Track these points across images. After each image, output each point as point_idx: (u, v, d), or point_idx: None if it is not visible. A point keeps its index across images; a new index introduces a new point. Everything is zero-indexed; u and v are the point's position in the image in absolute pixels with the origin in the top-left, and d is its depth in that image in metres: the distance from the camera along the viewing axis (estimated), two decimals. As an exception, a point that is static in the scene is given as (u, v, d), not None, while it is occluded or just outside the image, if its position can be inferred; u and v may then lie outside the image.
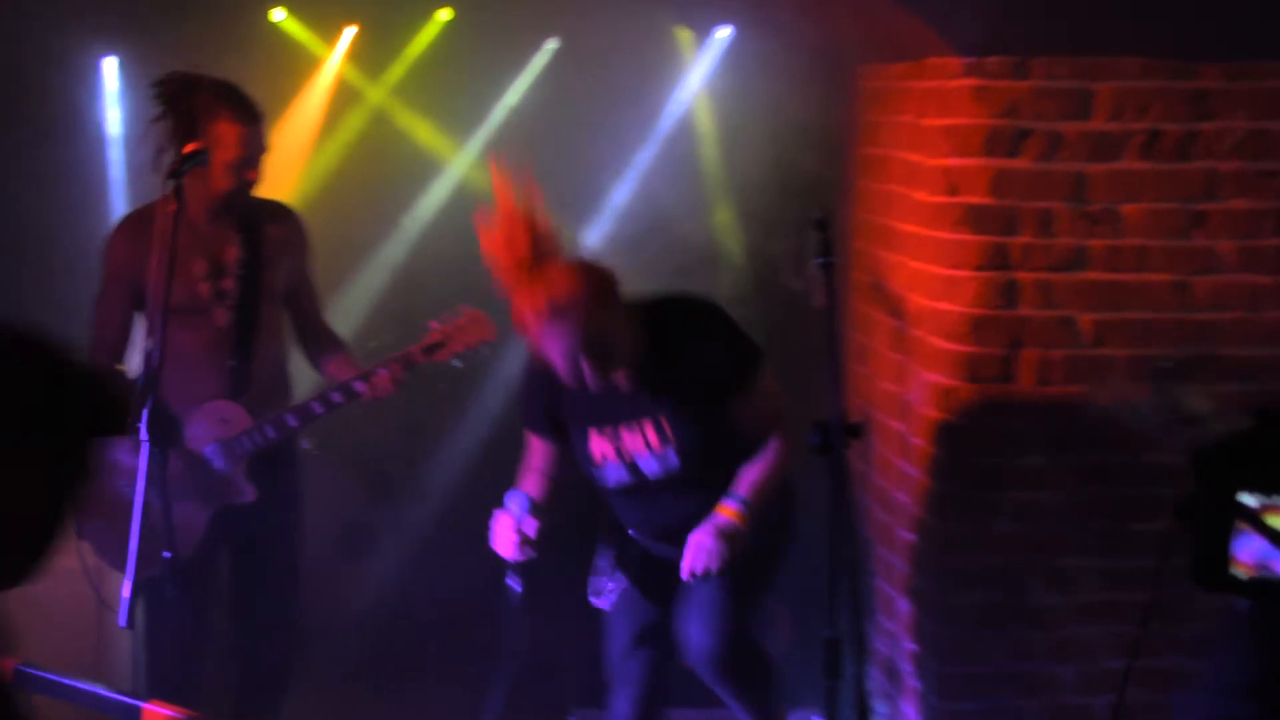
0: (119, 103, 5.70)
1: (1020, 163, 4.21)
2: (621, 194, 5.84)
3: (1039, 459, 4.32)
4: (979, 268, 4.26)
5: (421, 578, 5.53)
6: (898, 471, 4.74)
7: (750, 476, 3.48)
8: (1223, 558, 3.17)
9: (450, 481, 5.74)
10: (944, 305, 4.35)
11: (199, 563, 3.92)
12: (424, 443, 5.81)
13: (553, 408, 3.53)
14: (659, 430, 3.44)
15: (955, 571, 4.39)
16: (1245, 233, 4.27)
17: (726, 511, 3.42)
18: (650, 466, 3.47)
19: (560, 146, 5.19)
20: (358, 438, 5.48)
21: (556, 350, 3.24)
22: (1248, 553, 3.19)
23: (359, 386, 4.03)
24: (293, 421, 4.02)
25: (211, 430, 3.98)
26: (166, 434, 3.25)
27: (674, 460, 3.44)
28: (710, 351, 3.45)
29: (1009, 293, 4.27)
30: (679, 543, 3.50)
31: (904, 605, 4.66)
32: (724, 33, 5.77)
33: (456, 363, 4.09)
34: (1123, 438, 4.28)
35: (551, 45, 5.96)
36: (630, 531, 3.72)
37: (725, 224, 5.94)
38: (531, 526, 3.33)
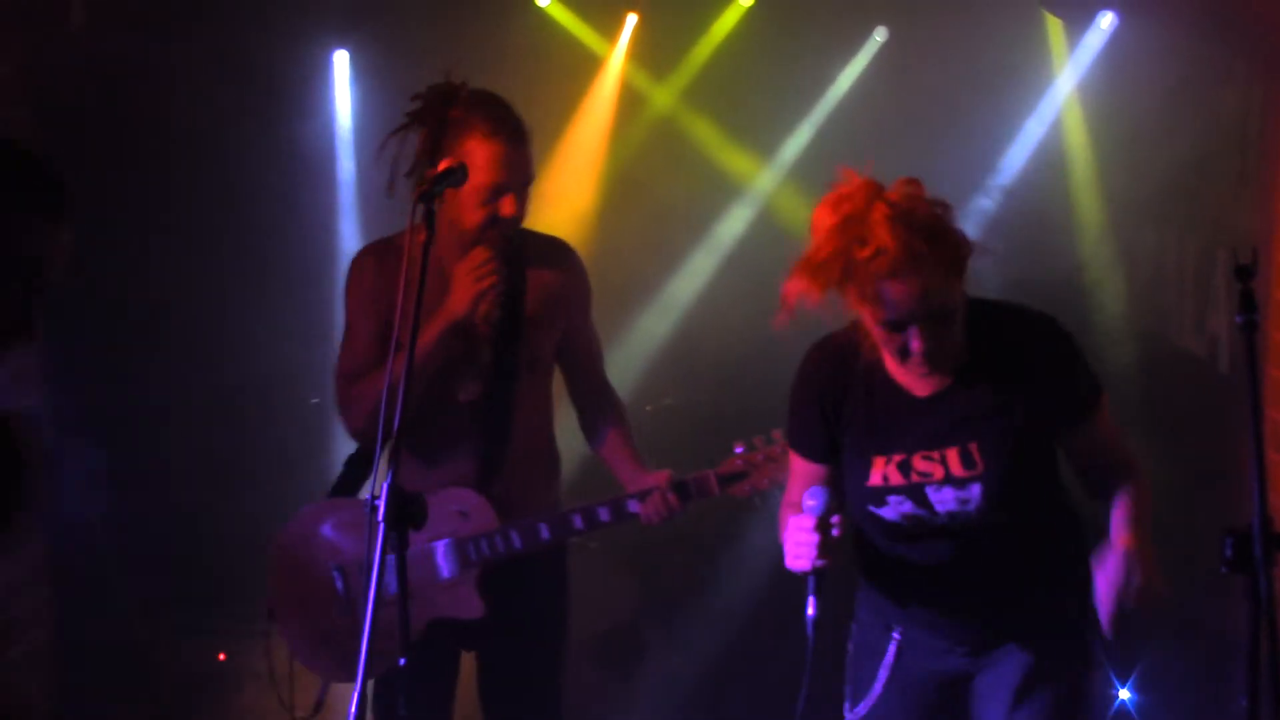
0: (348, 95, 6.07)
1: None
2: (979, 211, 5.89)
3: None
4: None
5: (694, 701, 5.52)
6: None
7: (1124, 514, 3.38)
8: None
9: (733, 608, 5.76)
10: None
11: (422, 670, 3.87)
12: (709, 560, 5.87)
13: (832, 424, 3.42)
14: (965, 457, 3.35)
15: None
16: None
17: (1124, 541, 3.33)
18: (945, 500, 3.38)
19: (893, 155, 5.14)
20: (641, 537, 5.55)
21: (894, 308, 3.19)
22: None
23: (633, 507, 4.00)
24: (545, 534, 3.98)
25: (445, 523, 3.94)
26: (409, 515, 3.18)
27: (976, 495, 3.34)
28: (1055, 364, 3.35)
29: None
30: (960, 636, 3.42)
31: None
32: (1106, 20, 5.76)
33: (758, 500, 4.04)
34: None
35: (880, 36, 6.06)
36: (895, 632, 3.54)
37: (1099, 260, 5.89)
38: (837, 521, 3.28)
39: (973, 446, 3.32)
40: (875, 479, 3.39)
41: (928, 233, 3.16)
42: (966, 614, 3.42)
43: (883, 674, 3.56)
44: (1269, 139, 5.16)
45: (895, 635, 3.51)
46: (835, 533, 3.27)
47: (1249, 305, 3.26)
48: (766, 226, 6.03)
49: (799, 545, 3.30)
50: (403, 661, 3.18)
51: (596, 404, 4.20)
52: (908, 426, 3.36)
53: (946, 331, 3.24)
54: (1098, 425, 3.37)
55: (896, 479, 3.38)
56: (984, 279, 3.40)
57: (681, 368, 5.94)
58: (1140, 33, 5.65)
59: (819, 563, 3.26)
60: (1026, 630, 3.39)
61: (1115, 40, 5.76)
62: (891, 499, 3.37)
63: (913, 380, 3.33)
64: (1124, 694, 5.05)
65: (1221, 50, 5.31)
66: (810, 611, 3.25)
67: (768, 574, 5.52)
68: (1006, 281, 4.68)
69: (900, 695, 3.55)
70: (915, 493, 3.36)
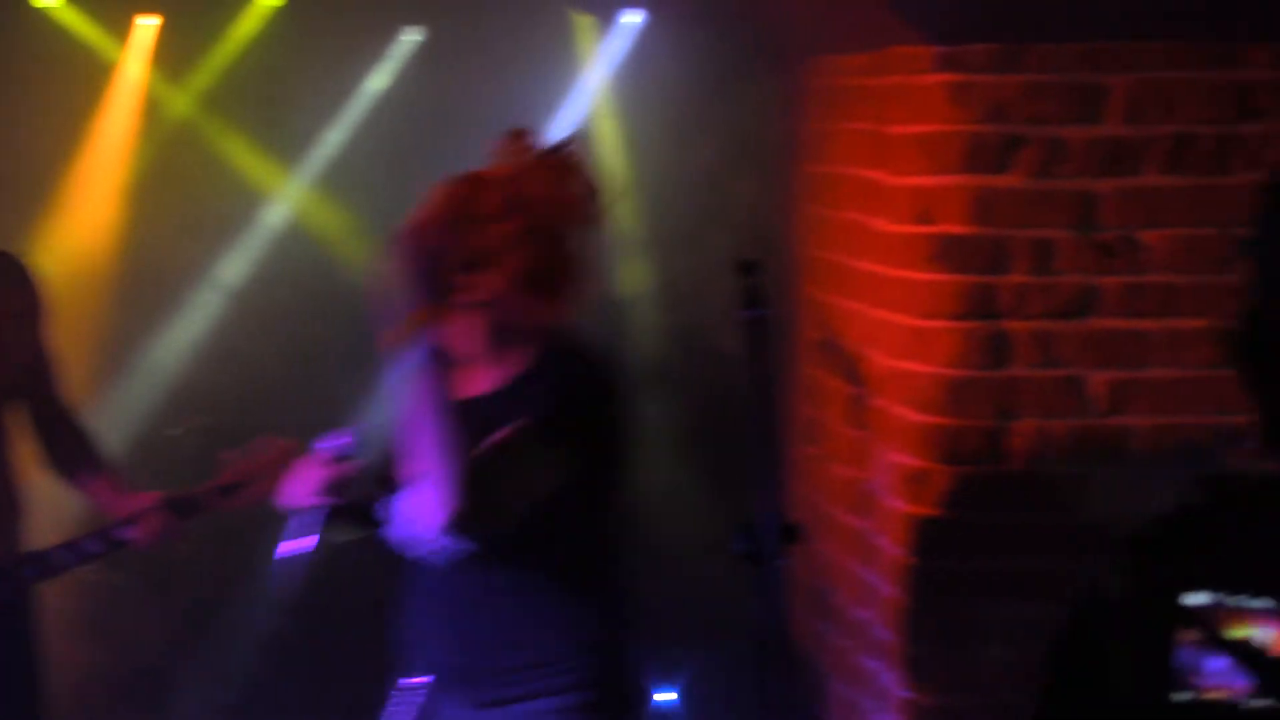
0: None
1: (1011, 180, 4.25)
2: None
3: (1038, 561, 4.30)
4: (958, 316, 4.28)
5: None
6: (857, 582, 4.72)
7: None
8: (1162, 675, 2.91)
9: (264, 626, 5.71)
10: (913, 366, 4.36)
11: None
12: (238, 580, 5.70)
13: None
14: None
15: (935, 711, 4.38)
16: None
17: None
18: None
19: (426, 162, 5.13)
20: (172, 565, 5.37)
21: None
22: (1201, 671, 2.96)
23: (125, 533, 3.83)
24: (31, 574, 3.80)
25: None
26: None
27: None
28: (567, 386, 3.19)
29: (997, 348, 4.28)
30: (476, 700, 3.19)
31: (869, 758, 4.61)
32: (632, 19, 5.83)
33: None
34: None
35: (412, 36, 6.05)
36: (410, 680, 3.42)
37: (633, 263, 5.97)
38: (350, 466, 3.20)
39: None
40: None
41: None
42: (473, 672, 3.22)
43: None
44: (788, 137, 5.32)
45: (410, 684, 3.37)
46: (344, 471, 3.18)
47: (755, 301, 3.38)
48: (292, 240, 5.99)
49: (295, 481, 3.20)
50: None
51: (61, 433, 4.01)
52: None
53: (470, 322, 3.13)
54: (540, 465, 3.12)
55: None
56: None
57: (214, 383, 5.86)
58: (666, 31, 5.75)
59: (316, 500, 3.19)
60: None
61: (643, 39, 5.83)
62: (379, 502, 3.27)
63: (464, 377, 3.19)
64: (667, 697, 5.12)
65: (742, 49, 5.43)
66: (292, 548, 3.16)
67: (303, 588, 5.43)
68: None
69: None
70: (381, 496, 3.26)
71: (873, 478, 4.61)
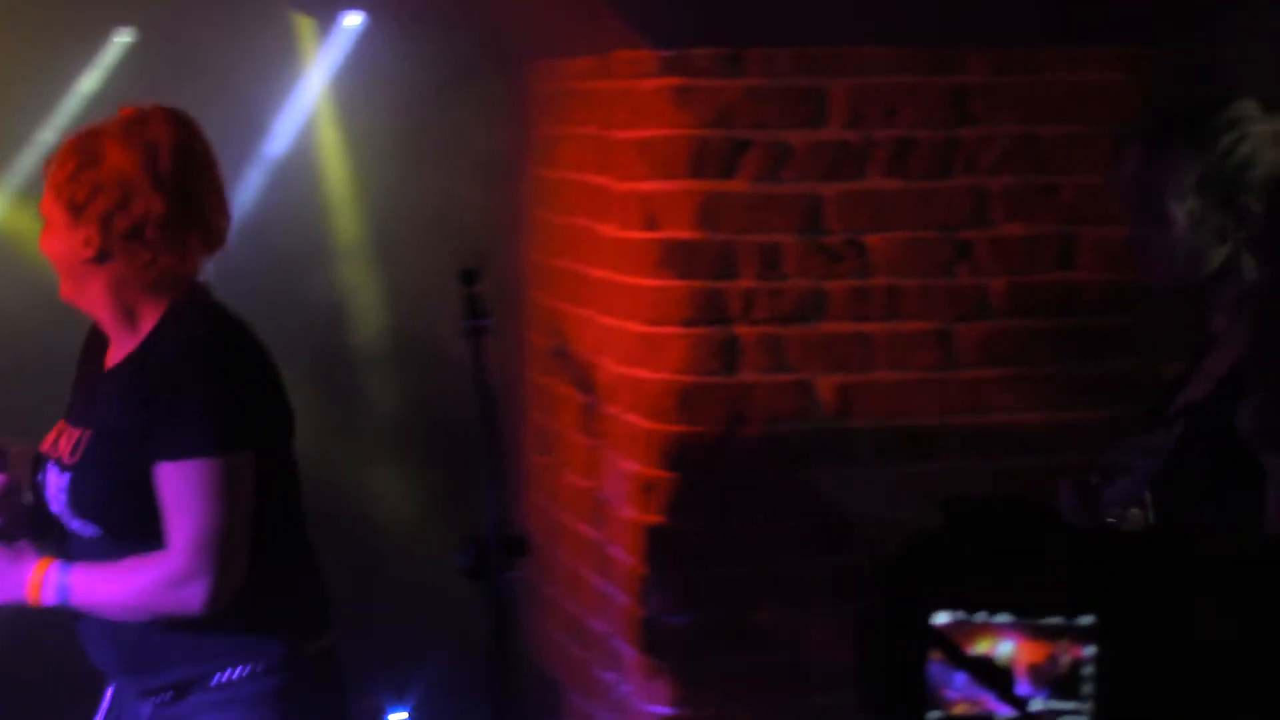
0: None
1: (737, 184, 4.27)
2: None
3: (772, 566, 4.37)
4: (687, 322, 4.29)
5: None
6: (593, 592, 4.71)
7: (91, 577, 3.02)
8: (916, 694, 3.00)
9: None
10: (643, 372, 4.36)
11: None
12: None
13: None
14: (76, 443, 3.06)
15: (672, 722, 4.39)
16: (1019, 267, 4.40)
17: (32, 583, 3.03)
18: (53, 494, 3.07)
19: None
20: None
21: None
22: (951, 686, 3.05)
23: None
24: None
25: None
26: None
27: (63, 496, 3.04)
28: (189, 383, 3.00)
29: (727, 353, 4.30)
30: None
31: (607, 770, 4.63)
32: (353, 20, 5.75)
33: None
34: (880, 537, 4.18)
35: (124, 37, 5.91)
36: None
37: (358, 270, 5.88)
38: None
39: (87, 434, 3.04)
40: (45, 444, 3.12)
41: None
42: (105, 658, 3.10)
43: None
44: (515, 142, 5.28)
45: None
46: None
47: (477, 309, 3.35)
48: (5, 236, 5.79)
49: None
50: None
51: None
52: (83, 394, 3.13)
53: (73, 287, 3.03)
54: (167, 481, 2.95)
55: (46, 446, 3.10)
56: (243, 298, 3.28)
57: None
58: (389, 33, 5.66)
59: None
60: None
61: (366, 42, 5.75)
62: (40, 477, 3.10)
63: (113, 347, 3.07)
64: (399, 717, 5.05)
65: (468, 52, 5.39)
66: None
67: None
68: (258, 302, 4.60)
69: None
70: (42, 469, 3.09)
71: (605, 486, 4.60)
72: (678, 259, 4.26)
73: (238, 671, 2.97)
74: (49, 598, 2.99)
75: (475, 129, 5.49)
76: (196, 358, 2.95)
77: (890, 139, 4.29)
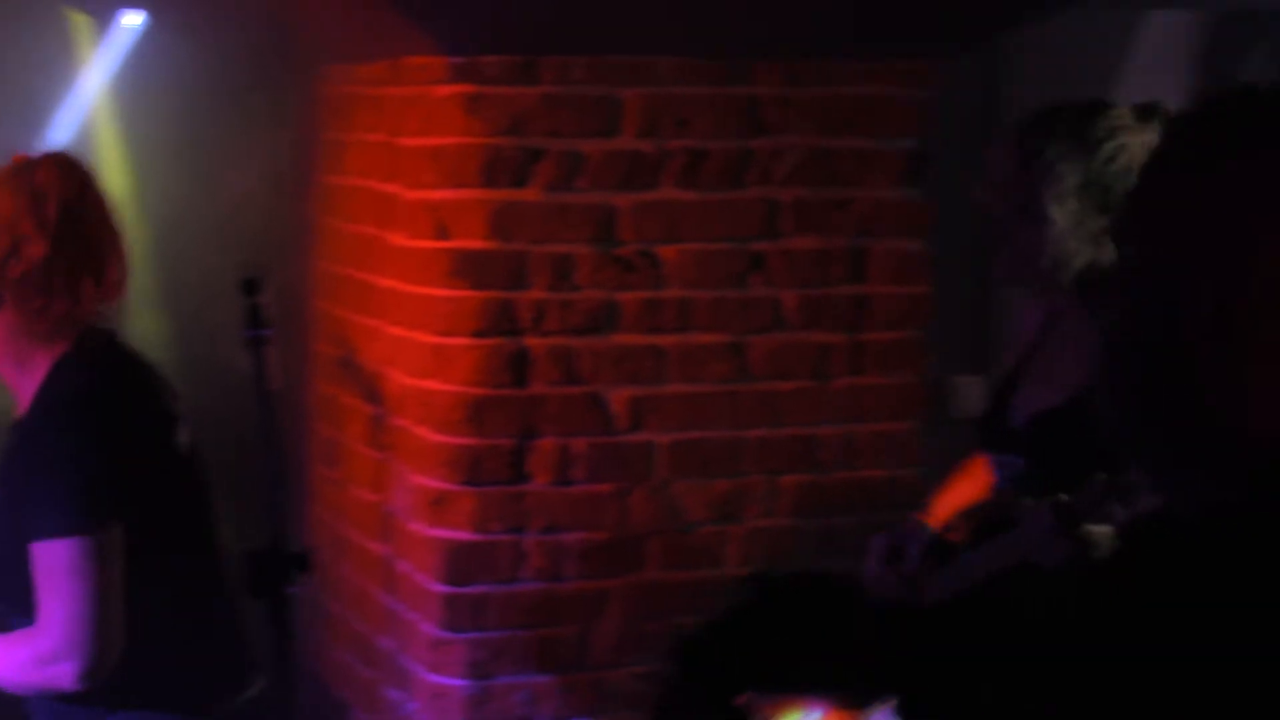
0: None
1: (529, 194, 4.28)
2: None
3: (566, 584, 4.38)
4: (478, 333, 4.30)
5: None
6: (381, 611, 4.68)
7: None
8: None
9: None
10: (433, 384, 4.36)
11: None
12: None
13: None
14: None
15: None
16: (811, 279, 4.46)
17: None
18: None
19: None
20: None
21: None
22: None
23: None
24: None
25: None
26: None
27: None
28: (55, 457, 2.98)
29: (518, 365, 4.32)
30: None
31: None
32: (132, 20, 5.58)
33: None
34: (693, 553, 4.31)
35: None
36: None
37: (137, 278, 5.61)
38: None
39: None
40: None
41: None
42: None
43: None
44: (303, 147, 5.21)
45: None
46: None
47: (258, 320, 3.32)
48: None
49: None
50: None
51: None
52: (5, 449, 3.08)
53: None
54: (36, 559, 2.90)
55: None
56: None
57: None
58: (172, 34, 5.54)
59: None
60: None
61: (148, 42, 5.61)
62: None
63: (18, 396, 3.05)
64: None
65: (254, 54, 5.31)
66: None
67: None
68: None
69: None
70: None
71: (394, 500, 4.57)
72: (468, 269, 4.25)
73: None
74: None
75: (261, 134, 5.40)
76: (66, 427, 2.93)
77: (683, 149, 4.32)
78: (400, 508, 4.51)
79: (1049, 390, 2.98)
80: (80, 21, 5.62)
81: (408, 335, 4.42)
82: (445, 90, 4.24)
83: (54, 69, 5.64)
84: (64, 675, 2.86)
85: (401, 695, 4.51)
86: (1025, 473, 2.99)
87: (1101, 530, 2.73)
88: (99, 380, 3.01)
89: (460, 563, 4.31)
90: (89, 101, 5.66)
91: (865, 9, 4.25)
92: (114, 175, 5.63)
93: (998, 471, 3.14)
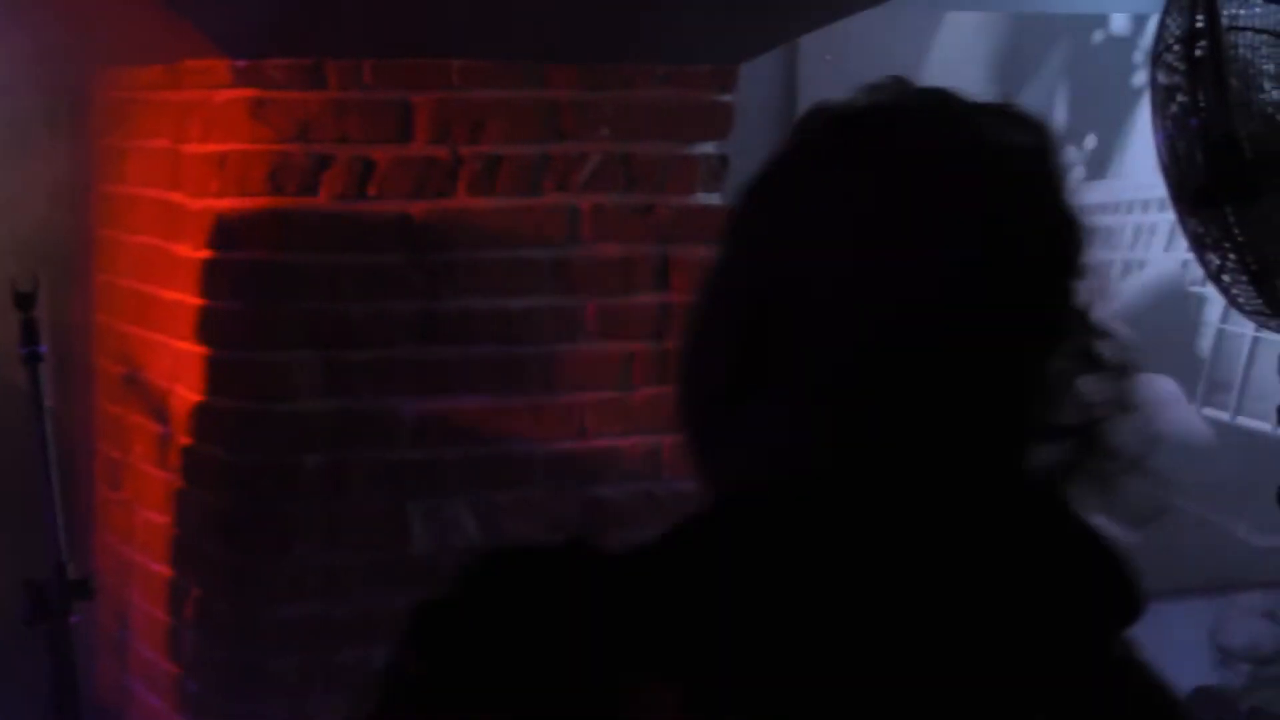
0: None
1: (320, 201, 4.26)
2: None
3: (368, 605, 4.34)
4: (267, 347, 4.29)
5: None
6: (167, 634, 4.62)
7: None
8: None
9: None
10: (220, 400, 4.35)
11: None
12: None
13: None
14: None
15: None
16: (613, 288, 4.47)
17: None
18: None
19: None
20: None
21: None
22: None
23: None
24: None
25: None
26: None
27: None
28: None
29: (308, 379, 4.32)
30: None
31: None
32: None
33: None
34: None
35: None
36: None
37: None
38: None
39: None
40: None
41: None
42: None
43: None
44: (80, 154, 5.11)
45: None
46: None
47: (31, 335, 3.32)
48: None
49: None
50: None
51: None
52: None
53: None
54: None
55: None
56: None
57: None
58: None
59: None
60: None
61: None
62: None
63: None
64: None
65: (23, 54, 5.17)
66: None
67: None
68: None
69: None
70: None
71: (181, 521, 4.50)
72: (256, 280, 4.20)
73: None
74: None
75: (35, 140, 5.26)
76: None
77: (478, 155, 4.30)
78: (187, 529, 4.46)
79: None
80: None
81: (194, 350, 4.36)
82: (228, 95, 4.18)
83: None
84: None
85: (191, 724, 4.43)
86: None
87: None
88: None
89: (250, 584, 4.27)
90: None
91: (660, 8, 4.26)
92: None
93: None
